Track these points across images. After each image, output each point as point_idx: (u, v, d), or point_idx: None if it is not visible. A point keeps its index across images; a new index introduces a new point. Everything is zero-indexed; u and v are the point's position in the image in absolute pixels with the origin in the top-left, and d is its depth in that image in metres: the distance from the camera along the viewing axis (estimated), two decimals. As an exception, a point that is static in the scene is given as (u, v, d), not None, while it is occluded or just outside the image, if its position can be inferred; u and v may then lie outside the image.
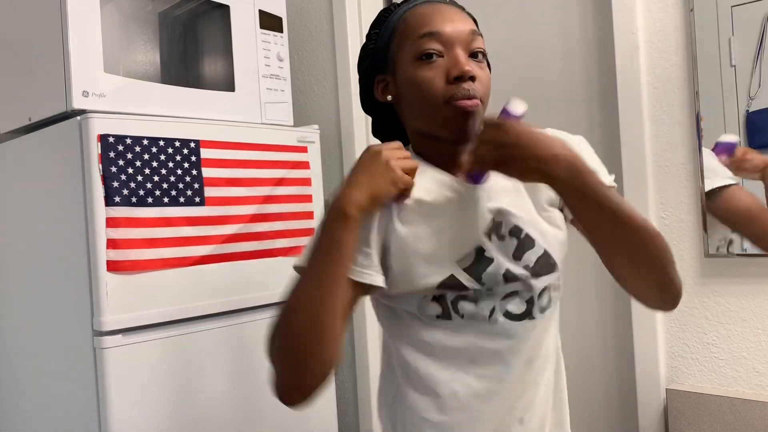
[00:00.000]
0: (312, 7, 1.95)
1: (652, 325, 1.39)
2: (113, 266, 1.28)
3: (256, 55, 1.65)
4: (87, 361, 1.30)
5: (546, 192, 0.94)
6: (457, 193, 0.90)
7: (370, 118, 1.03)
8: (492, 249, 0.90)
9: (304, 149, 1.66)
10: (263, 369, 1.54)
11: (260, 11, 1.67)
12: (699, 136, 1.33)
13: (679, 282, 0.85)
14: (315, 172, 1.69)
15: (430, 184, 0.90)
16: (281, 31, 1.72)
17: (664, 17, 1.38)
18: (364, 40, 1.00)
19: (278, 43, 1.71)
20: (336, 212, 0.81)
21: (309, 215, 1.66)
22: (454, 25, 0.88)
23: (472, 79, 0.87)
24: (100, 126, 1.28)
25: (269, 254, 1.56)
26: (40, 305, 1.44)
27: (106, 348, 1.27)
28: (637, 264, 0.84)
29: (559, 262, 0.93)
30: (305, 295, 0.81)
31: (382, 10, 0.97)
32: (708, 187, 1.32)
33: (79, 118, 1.30)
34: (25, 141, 1.47)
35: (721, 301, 1.33)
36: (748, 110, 1.28)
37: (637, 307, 1.41)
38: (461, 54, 0.88)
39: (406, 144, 0.97)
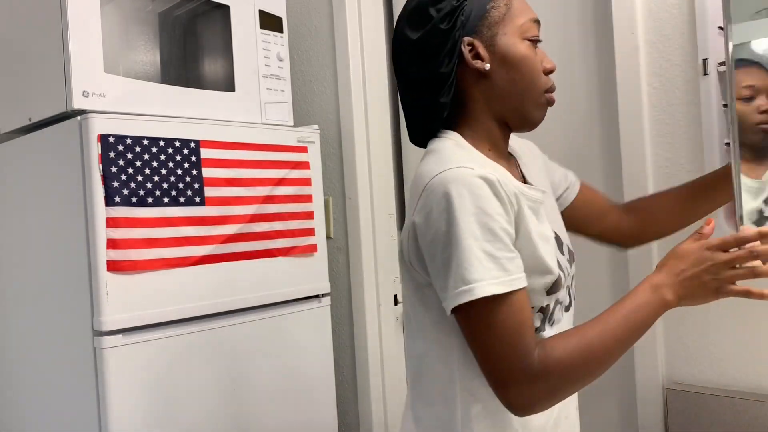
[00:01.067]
0: (312, 7, 1.95)
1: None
2: (113, 266, 1.28)
3: (256, 55, 1.65)
4: (87, 361, 1.30)
5: (551, 184, 1.05)
6: (531, 200, 0.89)
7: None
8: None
9: (304, 149, 1.66)
10: (263, 369, 1.54)
11: (260, 11, 1.67)
12: (699, 136, 1.33)
13: None
14: (315, 172, 1.69)
15: (515, 188, 0.86)
16: (281, 31, 1.72)
17: (664, 17, 1.38)
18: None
19: (278, 43, 1.71)
20: (662, 305, 0.82)
21: (309, 215, 1.66)
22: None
23: None
24: (100, 126, 1.28)
25: (269, 254, 1.56)
26: (40, 305, 1.44)
27: (106, 348, 1.27)
28: None
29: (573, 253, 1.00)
30: (613, 352, 0.80)
31: None
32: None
33: (79, 118, 1.30)
34: (25, 141, 1.47)
35: (721, 300, 1.33)
36: (748, 110, 1.28)
37: (637, 307, 1.41)
38: None
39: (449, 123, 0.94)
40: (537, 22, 0.90)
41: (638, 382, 1.41)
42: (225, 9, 1.60)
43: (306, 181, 1.66)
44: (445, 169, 0.80)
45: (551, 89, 0.92)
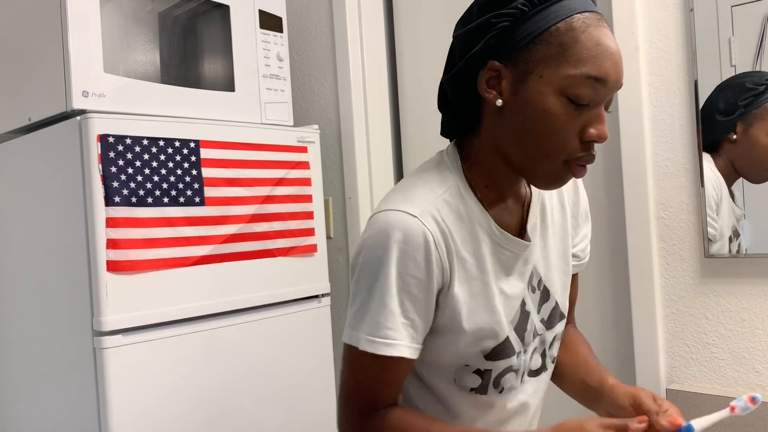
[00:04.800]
0: (312, 7, 1.95)
1: (652, 325, 1.39)
2: (113, 266, 1.28)
3: (256, 55, 1.65)
4: (87, 361, 1.30)
5: (571, 241, 0.92)
6: (508, 250, 0.83)
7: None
8: (530, 302, 0.86)
9: (304, 149, 1.66)
10: (263, 369, 1.54)
11: (260, 11, 1.67)
12: (699, 136, 1.33)
13: None
14: (315, 172, 1.69)
15: (480, 234, 0.81)
16: (281, 31, 1.72)
17: (664, 17, 1.38)
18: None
19: (278, 43, 1.71)
20: None
21: (309, 215, 1.66)
22: (618, 76, 0.74)
23: None
24: (99, 126, 1.28)
25: (269, 254, 1.56)
26: (40, 305, 1.44)
27: (106, 348, 1.27)
28: None
29: (566, 310, 0.92)
30: None
31: None
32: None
33: (79, 118, 1.30)
34: (25, 141, 1.47)
35: (721, 301, 1.33)
36: (748, 110, 1.28)
37: (637, 308, 1.41)
38: (604, 114, 0.75)
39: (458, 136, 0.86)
40: (597, 80, 0.71)
41: (639, 383, 1.41)
42: (225, 9, 1.60)
43: (306, 181, 1.66)
44: (394, 209, 0.77)
45: (579, 161, 0.75)
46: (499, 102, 0.75)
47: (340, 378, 0.83)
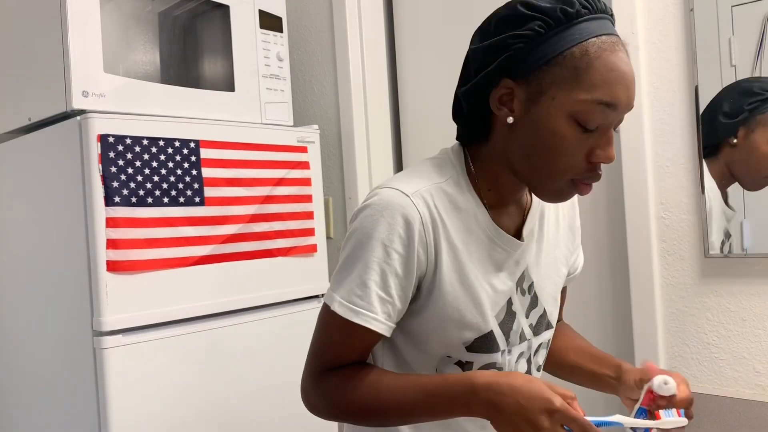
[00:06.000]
0: (312, 7, 1.95)
1: (652, 325, 1.39)
2: (113, 266, 1.28)
3: (256, 55, 1.65)
4: (87, 361, 1.30)
5: (567, 249, 0.96)
6: (501, 247, 0.85)
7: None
8: (517, 303, 0.87)
9: (303, 149, 1.66)
10: (263, 369, 1.54)
11: (260, 11, 1.67)
12: (699, 136, 1.33)
13: None
14: (315, 172, 1.69)
15: (474, 227, 0.83)
16: (281, 31, 1.72)
17: (664, 17, 1.38)
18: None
19: (278, 43, 1.71)
20: (469, 407, 0.74)
21: (309, 215, 1.66)
22: (629, 100, 0.75)
23: None
24: (99, 126, 1.28)
25: (269, 254, 1.56)
26: (40, 305, 1.44)
27: (106, 348, 1.27)
28: None
29: (554, 320, 0.93)
30: (392, 418, 0.80)
31: (558, 7, 0.74)
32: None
33: (78, 118, 1.30)
34: (25, 141, 1.47)
35: (721, 301, 1.33)
36: (748, 110, 1.28)
37: (637, 308, 1.41)
38: (613, 137, 0.77)
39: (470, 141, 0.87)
40: (609, 105, 0.73)
41: (638, 383, 1.41)
42: (225, 9, 1.60)
43: (306, 181, 1.66)
44: (391, 187, 0.80)
45: (584, 180, 0.77)
46: (510, 119, 0.77)
47: (311, 344, 0.85)
